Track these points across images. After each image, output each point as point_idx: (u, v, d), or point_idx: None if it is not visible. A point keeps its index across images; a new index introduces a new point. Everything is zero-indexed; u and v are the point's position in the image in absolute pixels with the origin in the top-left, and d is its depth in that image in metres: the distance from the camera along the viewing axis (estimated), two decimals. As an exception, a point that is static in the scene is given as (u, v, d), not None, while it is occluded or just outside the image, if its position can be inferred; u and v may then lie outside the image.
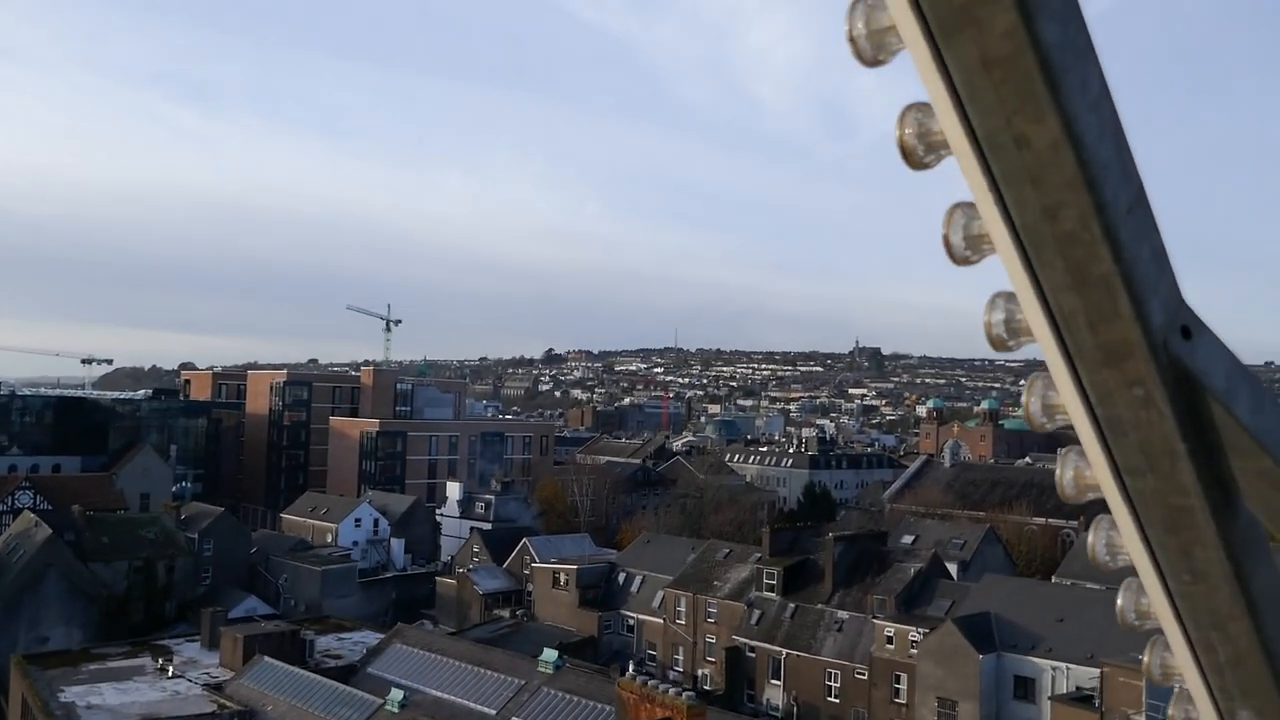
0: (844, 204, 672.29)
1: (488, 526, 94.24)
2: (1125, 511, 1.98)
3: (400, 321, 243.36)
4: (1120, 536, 2.06)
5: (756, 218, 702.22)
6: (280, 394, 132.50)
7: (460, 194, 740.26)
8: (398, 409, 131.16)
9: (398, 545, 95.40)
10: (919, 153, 1.80)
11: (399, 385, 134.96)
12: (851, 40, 1.73)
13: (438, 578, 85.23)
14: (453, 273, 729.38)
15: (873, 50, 1.74)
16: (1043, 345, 1.88)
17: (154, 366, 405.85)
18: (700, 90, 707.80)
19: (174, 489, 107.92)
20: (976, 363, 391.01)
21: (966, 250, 1.87)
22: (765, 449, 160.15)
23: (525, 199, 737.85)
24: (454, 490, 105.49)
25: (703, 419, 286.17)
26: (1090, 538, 2.17)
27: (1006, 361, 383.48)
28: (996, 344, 1.90)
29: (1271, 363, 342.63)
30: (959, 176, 1.75)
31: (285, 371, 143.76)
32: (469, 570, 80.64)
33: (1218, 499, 1.87)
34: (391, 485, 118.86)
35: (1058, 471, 2.09)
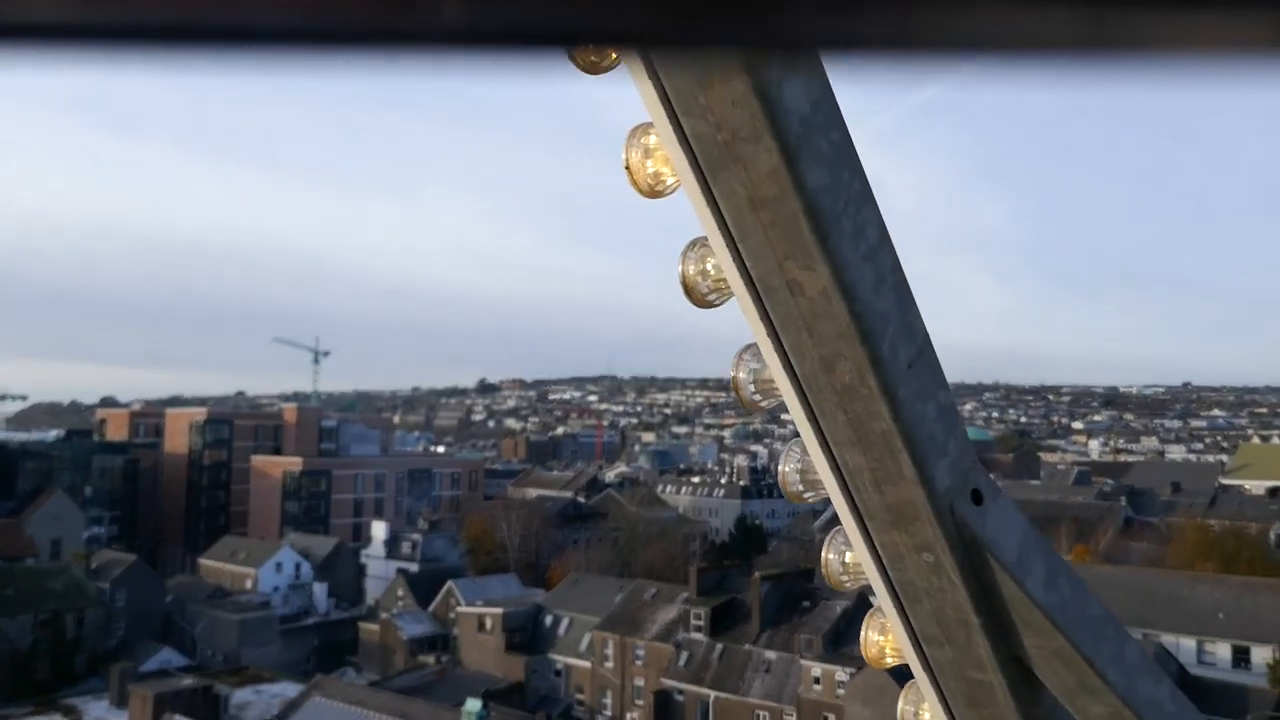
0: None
1: (414, 567, 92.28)
2: (927, 681, 1.85)
3: (329, 353, 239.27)
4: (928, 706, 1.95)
5: (686, 243, 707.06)
6: (200, 433, 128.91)
7: (392, 223, 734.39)
8: (322, 446, 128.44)
9: (320, 589, 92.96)
10: (701, 290, 1.76)
11: (324, 422, 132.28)
12: (627, 169, 1.69)
13: (361, 623, 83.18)
14: (385, 302, 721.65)
15: (649, 182, 1.70)
16: (834, 500, 1.86)
17: (74, 401, 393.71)
18: (631, 115, 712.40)
19: (87, 534, 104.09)
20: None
21: (756, 395, 1.84)
22: (698, 479, 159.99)
23: (458, 227, 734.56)
24: (380, 530, 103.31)
25: (637, 447, 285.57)
26: (900, 705, 2.04)
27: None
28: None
29: (1189, 383, 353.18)
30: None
31: (205, 410, 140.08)
32: (393, 615, 78.78)
33: (1016, 676, 1.79)
34: (316, 525, 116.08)
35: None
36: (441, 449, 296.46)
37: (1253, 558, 74.00)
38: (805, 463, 1.80)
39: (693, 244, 1.75)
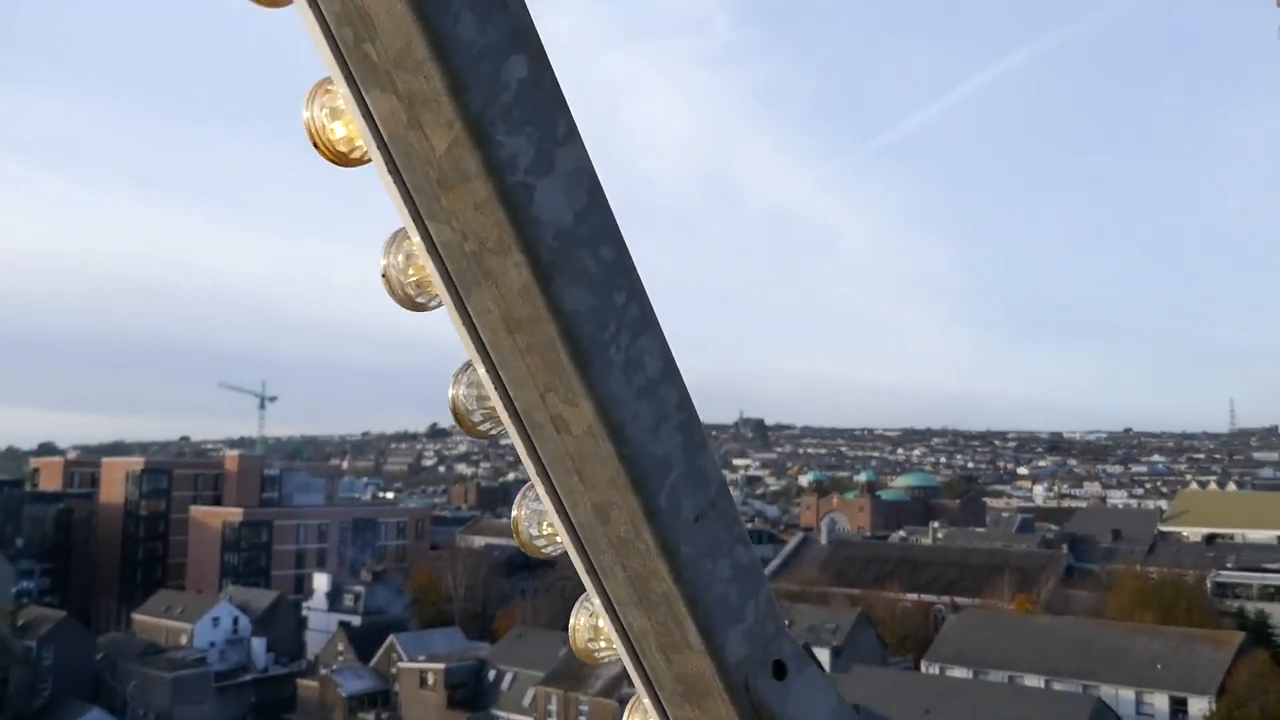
0: (727, 274, 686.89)
1: (357, 620, 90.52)
2: None
3: (275, 398, 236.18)
4: None
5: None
6: (137, 483, 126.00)
7: (344, 265, 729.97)
8: (265, 496, 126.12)
9: (259, 644, 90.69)
10: (474, 419, 1.59)
11: (266, 471, 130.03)
12: (384, 277, 1.54)
13: (299, 680, 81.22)
14: (335, 345, 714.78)
15: (410, 293, 1.54)
16: (627, 666, 1.71)
17: (10, 447, 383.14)
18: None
19: (16, 588, 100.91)
20: (856, 432, 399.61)
21: (539, 540, 1.68)
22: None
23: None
24: (321, 582, 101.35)
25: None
26: None
27: (885, 430, 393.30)
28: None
29: (1130, 429, 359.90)
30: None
31: (143, 460, 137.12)
32: (332, 671, 77.07)
33: None
34: (256, 578, 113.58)
35: (572, 620, 1.86)
36: (391, 495, 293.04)
37: (1190, 607, 74.96)
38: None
39: (466, 365, 1.57)
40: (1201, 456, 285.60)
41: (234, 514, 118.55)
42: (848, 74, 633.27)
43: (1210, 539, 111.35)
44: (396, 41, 1.32)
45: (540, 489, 1.58)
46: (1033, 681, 61.00)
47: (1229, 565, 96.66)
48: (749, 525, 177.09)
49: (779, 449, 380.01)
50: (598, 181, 1.45)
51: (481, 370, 1.49)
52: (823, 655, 67.83)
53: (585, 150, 1.44)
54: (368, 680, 75.70)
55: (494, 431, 1.61)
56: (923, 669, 66.68)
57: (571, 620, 1.72)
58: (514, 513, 1.70)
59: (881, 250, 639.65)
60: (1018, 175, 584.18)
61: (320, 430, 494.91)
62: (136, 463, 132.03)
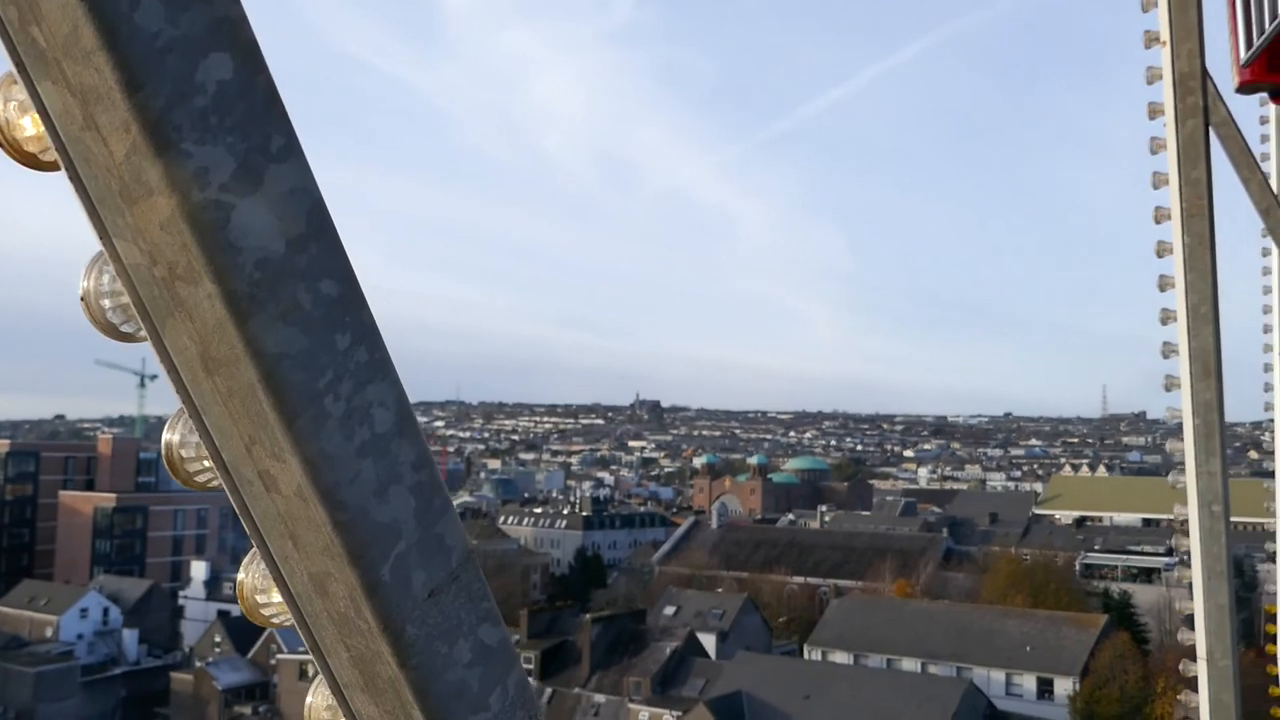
0: (624, 256, 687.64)
1: (237, 609, 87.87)
2: None
3: (155, 377, 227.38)
4: None
5: (539, 269, 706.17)
6: (2, 465, 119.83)
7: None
8: (140, 479, 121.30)
9: (131, 636, 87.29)
10: (189, 468, 1.41)
11: (142, 453, 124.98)
12: (83, 300, 1.35)
13: (173, 673, 78.46)
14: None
15: (114, 320, 1.35)
16: None
17: None
18: (484, 138, 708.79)
19: None
20: (750, 414, 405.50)
21: (268, 609, 1.50)
22: (540, 510, 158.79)
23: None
24: (199, 570, 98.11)
25: (482, 475, 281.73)
26: None
27: (778, 413, 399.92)
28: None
29: (1010, 413, 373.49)
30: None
31: (9, 442, 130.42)
32: (208, 663, 74.65)
33: None
34: (130, 566, 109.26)
35: (309, 698, 1.58)
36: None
37: (1059, 589, 78.01)
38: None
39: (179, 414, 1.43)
40: (1075, 441, 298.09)
41: (107, 499, 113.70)
42: (746, 60, 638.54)
43: (1080, 522, 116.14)
44: (63, 25, 1.17)
45: (258, 552, 1.38)
46: (910, 664, 62.66)
47: (1097, 548, 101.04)
48: (643, 508, 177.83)
49: (674, 431, 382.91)
50: (323, 207, 1.28)
51: (185, 414, 1.30)
52: (708, 640, 68.42)
53: (308, 170, 1.29)
54: (245, 672, 73.57)
55: (213, 484, 1.40)
56: (805, 653, 67.91)
57: (308, 698, 1.53)
58: (239, 576, 1.51)
59: (778, 236, 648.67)
60: (909, 166, 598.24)
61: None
62: (1, 444, 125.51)
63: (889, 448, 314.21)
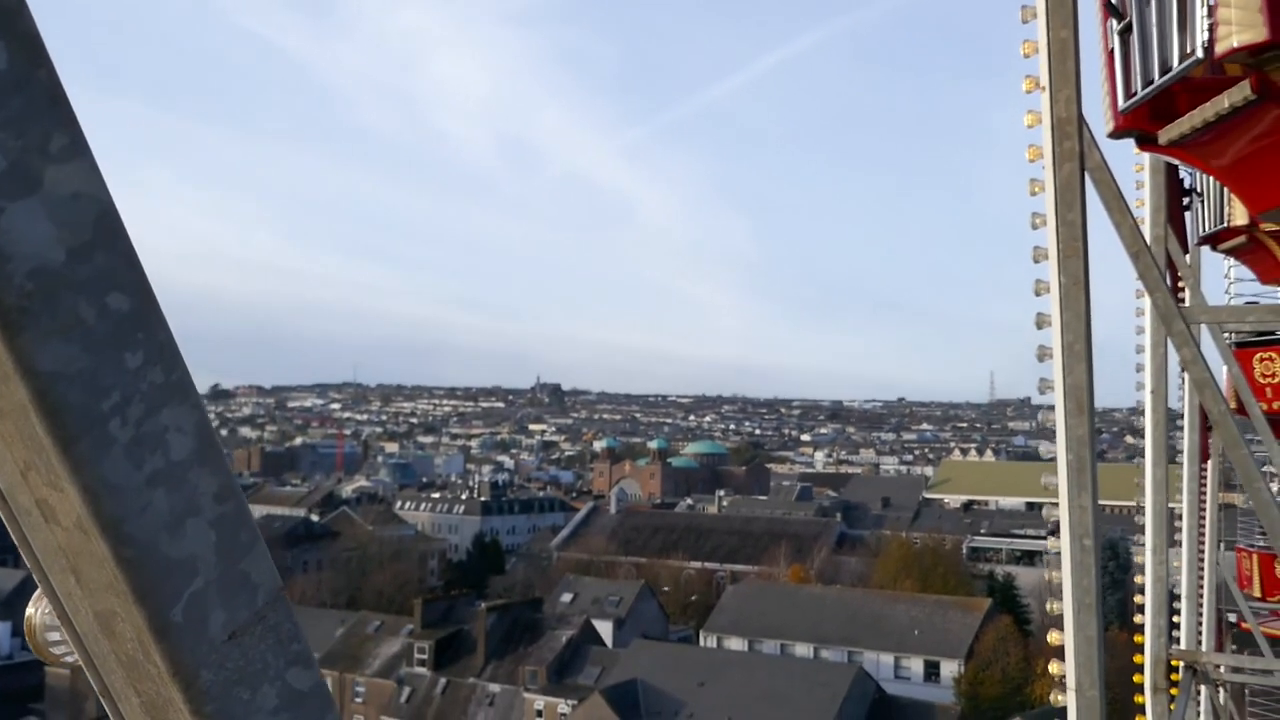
0: (527, 240, 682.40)
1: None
2: None
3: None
4: None
5: (439, 251, 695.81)
6: None
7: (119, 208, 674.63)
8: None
9: (3, 629, 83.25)
10: None
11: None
12: None
13: (48, 667, 75.16)
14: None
15: None
16: None
17: None
18: (384, 119, 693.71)
19: None
20: (650, 398, 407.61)
21: (59, 647, 1.38)
22: (438, 495, 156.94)
23: (187, 225, 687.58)
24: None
25: (380, 459, 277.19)
26: None
27: (678, 397, 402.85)
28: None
29: (903, 398, 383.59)
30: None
31: None
32: (86, 657, 71.73)
33: None
34: (5, 555, 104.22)
35: None
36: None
37: (947, 572, 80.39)
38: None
39: None
40: (964, 425, 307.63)
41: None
42: (646, 46, 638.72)
43: (968, 506, 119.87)
44: None
45: (42, 587, 1.27)
46: (803, 649, 63.80)
47: (983, 531, 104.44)
48: (542, 493, 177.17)
49: (575, 415, 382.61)
50: (114, 213, 1.19)
51: None
52: (605, 628, 68.54)
53: (97, 173, 1.19)
54: (126, 666, 70.90)
55: None
56: (701, 639, 68.54)
57: None
58: (28, 611, 1.42)
59: (679, 221, 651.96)
60: (808, 155, 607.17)
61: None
62: None
63: (786, 431, 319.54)
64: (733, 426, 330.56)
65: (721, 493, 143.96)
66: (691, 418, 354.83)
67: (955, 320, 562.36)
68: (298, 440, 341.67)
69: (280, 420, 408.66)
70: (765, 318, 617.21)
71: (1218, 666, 14.24)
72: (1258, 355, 13.73)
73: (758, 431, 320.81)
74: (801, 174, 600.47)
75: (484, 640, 58.95)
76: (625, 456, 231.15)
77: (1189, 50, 5.73)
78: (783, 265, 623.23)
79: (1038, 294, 7.08)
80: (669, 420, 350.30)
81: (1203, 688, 15.15)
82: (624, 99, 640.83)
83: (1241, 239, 13.09)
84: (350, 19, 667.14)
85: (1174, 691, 12.59)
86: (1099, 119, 6.97)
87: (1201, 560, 15.27)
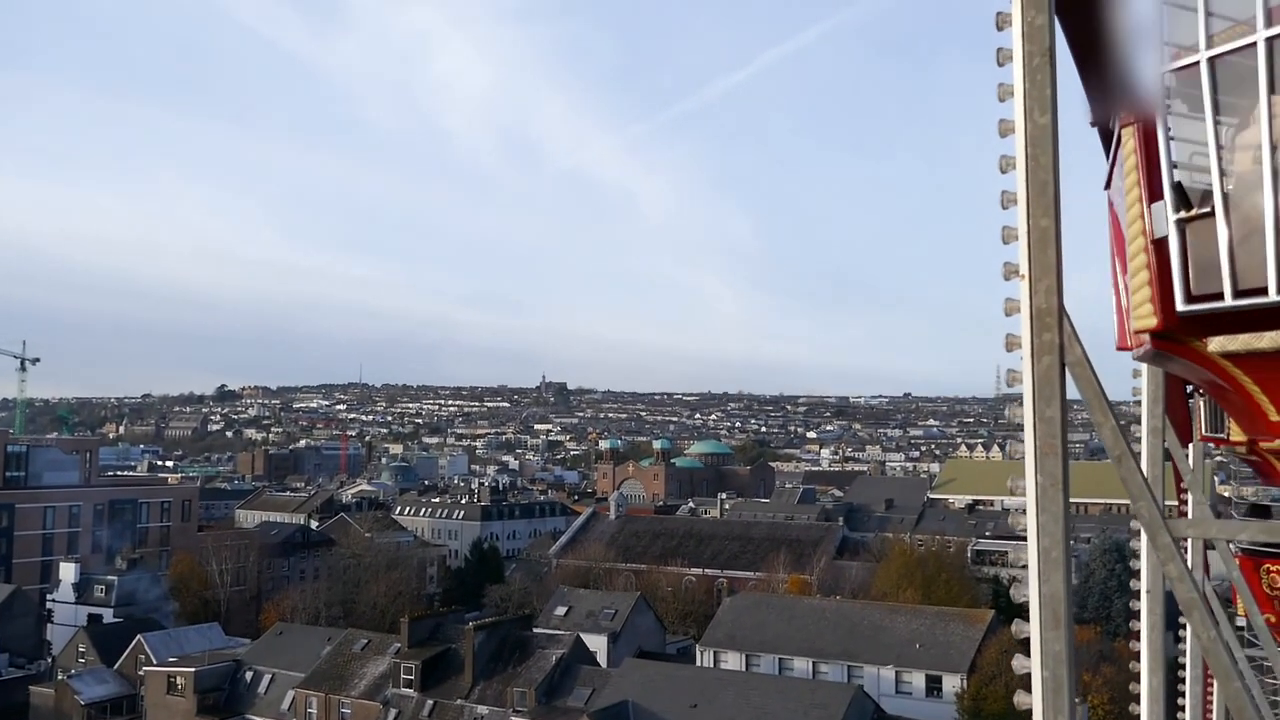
0: (530, 237, 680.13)
1: (110, 613, 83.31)
2: None
3: (38, 360, 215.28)
4: None
5: (444, 249, 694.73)
6: None
7: (119, 215, 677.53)
8: (8, 475, 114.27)
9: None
10: None
11: (11, 447, 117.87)
12: None
13: (32, 686, 73.78)
14: (112, 301, 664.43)
15: None
16: None
17: None
18: (386, 116, 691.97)
19: None
20: (656, 396, 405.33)
21: None
22: (438, 499, 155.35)
23: (195, 223, 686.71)
24: (68, 572, 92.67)
25: (383, 460, 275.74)
26: None
27: (684, 395, 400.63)
28: None
29: (909, 394, 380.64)
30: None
31: None
32: (70, 675, 70.28)
33: None
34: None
35: None
36: (170, 464, 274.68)
37: (950, 578, 78.51)
38: None
39: None
40: (970, 420, 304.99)
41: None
42: (648, 40, 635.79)
43: (972, 506, 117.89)
44: None
45: None
46: (801, 664, 62.04)
47: (988, 533, 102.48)
48: (544, 495, 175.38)
49: (580, 413, 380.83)
50: None
51: None
52: (600, 642, 66.91)
53: None
54: (111, 685, 69.44)
55: None
56: (697, 653, 66.88)
57: None
58: None
59: (683, 217, 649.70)
60: (812, 148, 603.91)
61: (95, 392, 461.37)
62: None
63: (792, 429, 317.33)
64: (738, 424, 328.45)
65: (724, 495, 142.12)
66: (697, 415, 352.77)
67: (961, 314, 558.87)
68: (302, 443, 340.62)
69: (286, 422, 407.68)
70: (771, 313, 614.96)
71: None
72: (1265, 566, 12.39)
73: (763, 429, 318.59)
74: (807, 167, 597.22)
75: (471, 660, 57.25)
76: (630, 456, 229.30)
77: None
78: (789, 259, 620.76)
79: (1012, 494, 6.84)
80: (674, 418, 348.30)
81: None
82: (627, 95, 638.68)
83: (1242, 449, 11.86)
84: (352, 16, 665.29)
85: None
86: (1082, 308, 6.62)
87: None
